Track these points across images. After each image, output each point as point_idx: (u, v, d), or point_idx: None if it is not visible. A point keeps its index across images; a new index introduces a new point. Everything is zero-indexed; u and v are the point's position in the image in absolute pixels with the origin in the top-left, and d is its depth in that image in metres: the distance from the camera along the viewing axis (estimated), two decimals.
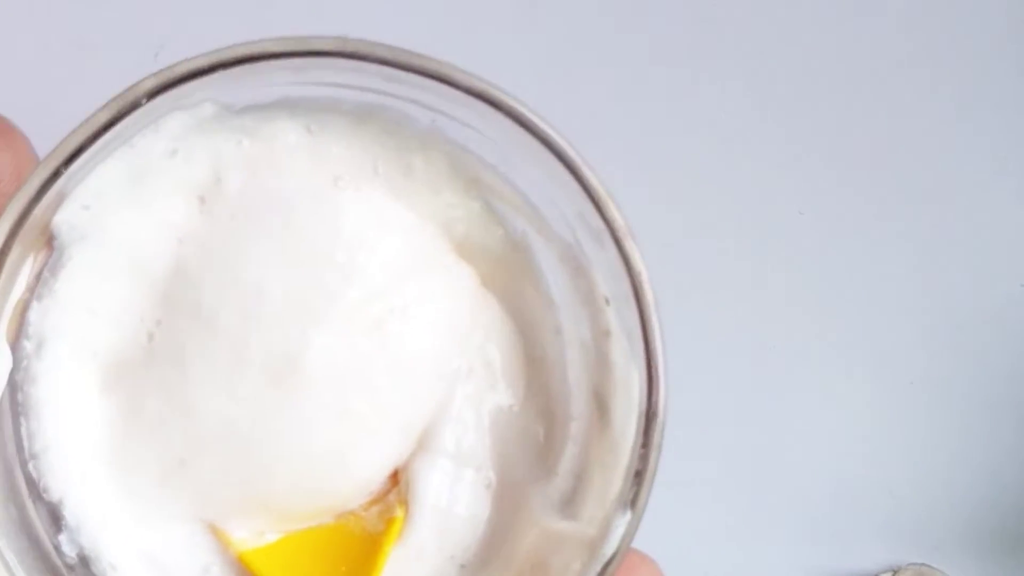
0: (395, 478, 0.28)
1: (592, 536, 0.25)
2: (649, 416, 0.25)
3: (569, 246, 0.26)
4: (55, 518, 0.26)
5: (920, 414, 0.47)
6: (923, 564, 0.45)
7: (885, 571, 0.45)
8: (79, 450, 0.26)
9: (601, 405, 0.27)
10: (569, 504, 0.27)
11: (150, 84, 0.23)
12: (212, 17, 0.42)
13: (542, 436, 0.28)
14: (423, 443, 0.27)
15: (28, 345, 0.26)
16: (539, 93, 0.47)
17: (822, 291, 0.46)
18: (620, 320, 0.26)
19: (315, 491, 0.27)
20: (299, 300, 0.26)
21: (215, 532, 0.27)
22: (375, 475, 0.27)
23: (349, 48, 0.23)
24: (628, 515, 0.25)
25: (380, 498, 0.28)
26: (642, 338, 0.25)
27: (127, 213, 0.26)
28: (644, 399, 0.25)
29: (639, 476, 0.25)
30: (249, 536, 0.27)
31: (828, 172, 0.47)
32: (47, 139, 0.24)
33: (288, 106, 0.26)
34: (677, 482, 0.46)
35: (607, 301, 0.26)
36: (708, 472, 0.46)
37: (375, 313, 0.26)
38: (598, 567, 0.25)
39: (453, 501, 0.27)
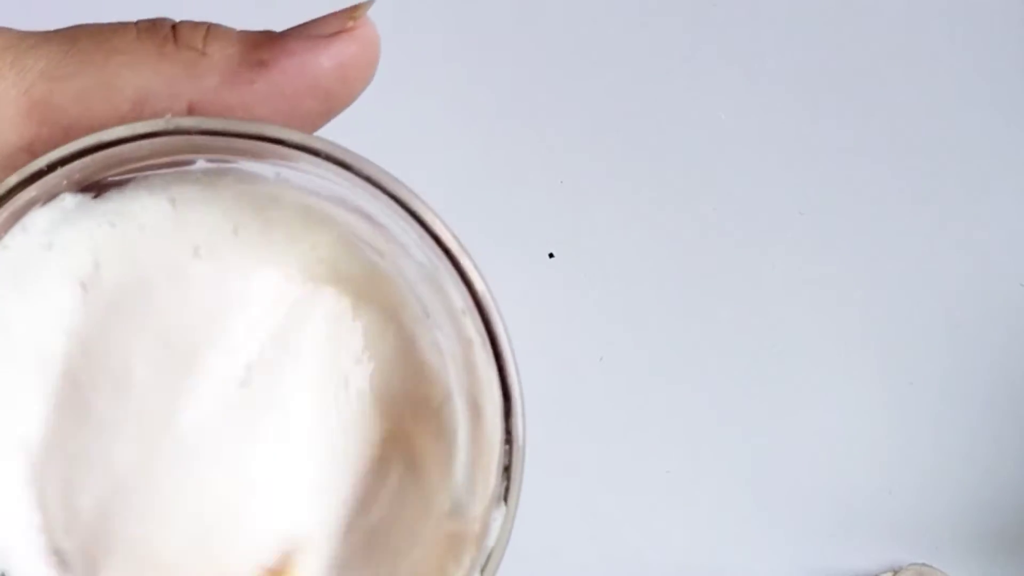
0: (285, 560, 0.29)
1: (476, 532, 0.28)
2: (507, 413, 0.28)
3: (424, 265, 0.29)
4: None
5: (920, 414, 0.47)
6: (923, 564, 0.45)
7: (885, 571, 0.45)
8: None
9: (476, 410, 0.29)
10: (462, 509, 0.29)
11: (14, 180, 0.25)
12: None
13: (437, 452, 0.30)
14: (319, 504, 0.29)
15: None
16: (540, 89, 0.47)
17: (822, 291, 0.46)
18: (477, 328, 0.28)
19: (203, 557, 0.28)
20: (167, 370, 0.28)
21: None
22: (261, 544, 0.28)
23: (172, 126, 0.26)
24: (503, 509, 0.28)
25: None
26: (489, 343, 0.28)
27: (16, 309, 0.28)
28: (501, 398, 0.28)
29: (507, 471, 0.28)
30: None
31: (828, 172, 0.47)
32: None
33: (144, 184, 0.28)
34: (676, 481, 0.46)
35: (464, 312, 0.28)
36: (708, 472, 0.46)
37: (242, 371, 0.28)
38: (483, 559, 0.28)
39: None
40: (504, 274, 0.46)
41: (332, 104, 0.26)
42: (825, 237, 0.47)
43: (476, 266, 0.28)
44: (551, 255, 0.46)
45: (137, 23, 0.25)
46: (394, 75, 0.46)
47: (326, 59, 0.25)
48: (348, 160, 0.26)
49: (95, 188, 0.28)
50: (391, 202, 0.27)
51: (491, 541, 0.28)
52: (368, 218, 0.29)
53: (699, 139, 0.46)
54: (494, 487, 0.28)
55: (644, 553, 0.46)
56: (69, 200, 0.27)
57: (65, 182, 0.27)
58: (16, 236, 0.27)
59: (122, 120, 0.25)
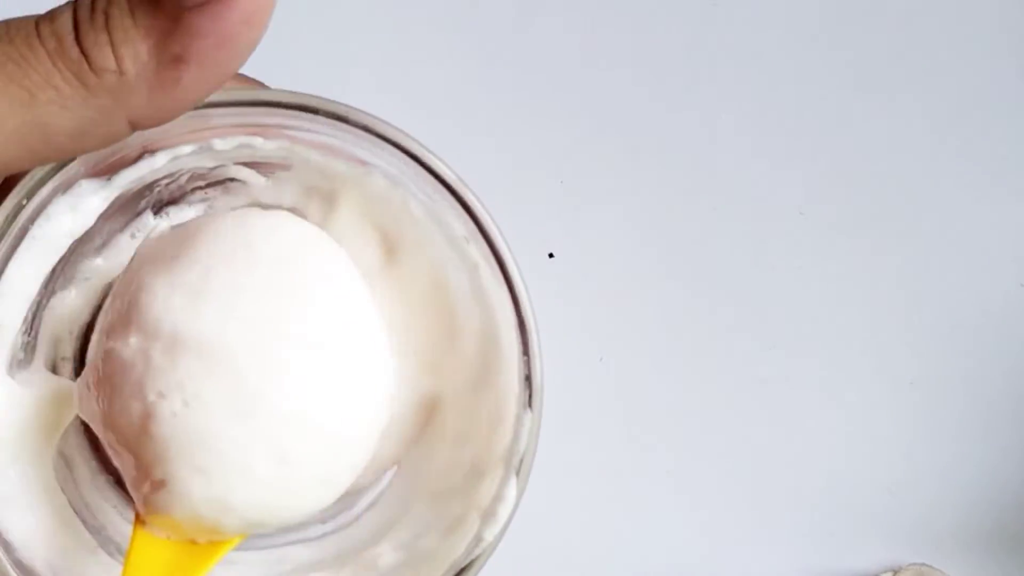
0: None
1: (508, 439, 0.31)
2: (521, 326, 0.30)
3: (424, 202, 0.31)
4: None
5: (920, 414, 0.47)
6: (923, 564, 0.45)
7: (885, 571, 0.45)
8: None
9: (493, 329, 0.31)
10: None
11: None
12: None
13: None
14: None
15: None
16: (540, 89, 0.47)
17: (822, 291, 0.46)
18: (482, 252, 0.30)
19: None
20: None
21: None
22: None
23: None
24: (529, 415, 0.30)
25: None
26: (496, 262, 0.30)
27: None
28: (514, 313, 0.30)
29: (528, 380, 0.30)
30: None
31: (828, 172, 0.47)
32: None
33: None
34: (676, 481, 0.46)
35: (467, 239, 0.30)
36: (708, 472, 0.46)
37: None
38: (517, 462, 0.31)
39: None
40: None
41: (248, 52, 0.24)
42: (825, 236, 0.47)
43: (475, 193, 0.30)
44: (551, 255, 0.46)
45: (43, 42, 0.23)
46: (393, 75, 0.46)
47: (236, 20, 0.23)
48: (343, 113, 0.29)
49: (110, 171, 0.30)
50: (385, 144, 0.29)
51: (522, 445, 0.30)
52: (363, 163, 0.31)
53: (699, 139, 0.46)
54: (519, 397, 0.30)
55: (644, 553, 0.46)
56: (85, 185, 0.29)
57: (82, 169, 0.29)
58: (41, 225, 0.29)
59: (61, 152, 0.25)
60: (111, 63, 0.23)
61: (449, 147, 0.46)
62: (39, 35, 0.23)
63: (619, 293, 0.46)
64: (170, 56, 0.23)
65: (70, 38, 0.23)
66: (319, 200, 0.32)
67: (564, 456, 0.46)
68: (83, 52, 0.23)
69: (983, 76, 0.47)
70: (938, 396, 0.47)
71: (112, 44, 0.23)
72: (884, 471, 0.46)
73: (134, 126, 0.25)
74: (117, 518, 0.34)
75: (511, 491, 0.30)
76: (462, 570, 0.31)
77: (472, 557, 0.30)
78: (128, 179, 0.30)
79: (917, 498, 0.46)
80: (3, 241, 0.29)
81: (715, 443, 0.46)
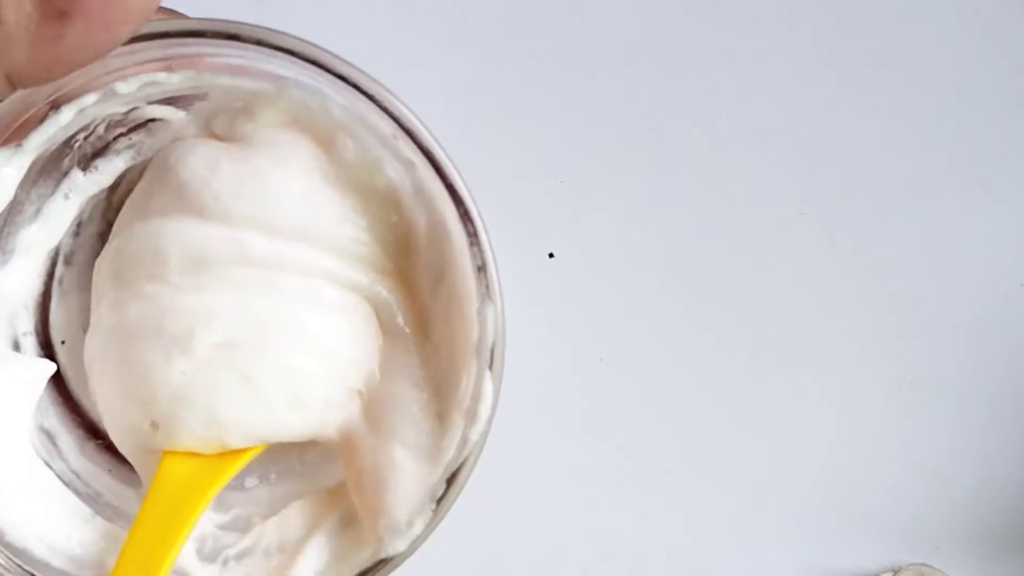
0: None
1: (475, 335, 0.30)
2: (464, 217, 0.29)
3: (347, 107, 0.30)
4: None
5: (920, 414, 0.47)
6: (923, 564, 0.45)
7: (885, 571, 0.45)
8: None
9: (441, 223, 0.30)
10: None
11: None
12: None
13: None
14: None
15: None
16: (539, 89, 0.47)
17: (822, 291, 0.46)
18: (413, 151, 0.30)
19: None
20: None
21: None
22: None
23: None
24: (491, 306, 0.29)
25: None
26: (427, 160, 0.29)
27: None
28: (453, 203, 0.29)
29: (482, 271, 0.29)
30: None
31: (828, 172, 0.47)
32: None
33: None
34: (676, 481, 0.46)
35: (395, 137, 0.29)
36: (708, 472, 0.46)
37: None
38: (488, 356, 0.30)
39: None
40: (504, 274, 0.46)
41: (141, 18, 0.23)
42: (825, 237, 0.47)
43: (394, 95, 0.29)
44: (551, 255, 0.46)
45: None
46: (393, 76, 0.46)
47: None
48: (265, 38, 0.28)
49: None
50: (298, 59, 0.28)
51: (489, 339, 0.29)
52: (275, 77, 0.30)
53: (699, 139, 0.46)
54: (475, 287, 0.29)
55: (644, 553, 0.46)
56: None
57: None
58: None
59: None
60: None
61: (449, 147, 0.46)
62: None
63: (619, 293, 0.46)
64: (55, 10, 0.21)
65: None
66: (242, 121, 0.32)
67: (563, 455, 0.46)
68: None
69: (981, 76, 0.47)
70: (938, 396, 0.47)
71: None
72: (884, 471, 0.46)
73: (12, 82, 0.23)
74: (112, 481, 0.33)
75: (488, 387, 0.30)
76: (455, 472, 0.31)
77: (461, 459, 0.30)
78: (39, 141, 0.29)
79: (917, 498, 0.46)
80: None
81: (715, 443, 0.46)
